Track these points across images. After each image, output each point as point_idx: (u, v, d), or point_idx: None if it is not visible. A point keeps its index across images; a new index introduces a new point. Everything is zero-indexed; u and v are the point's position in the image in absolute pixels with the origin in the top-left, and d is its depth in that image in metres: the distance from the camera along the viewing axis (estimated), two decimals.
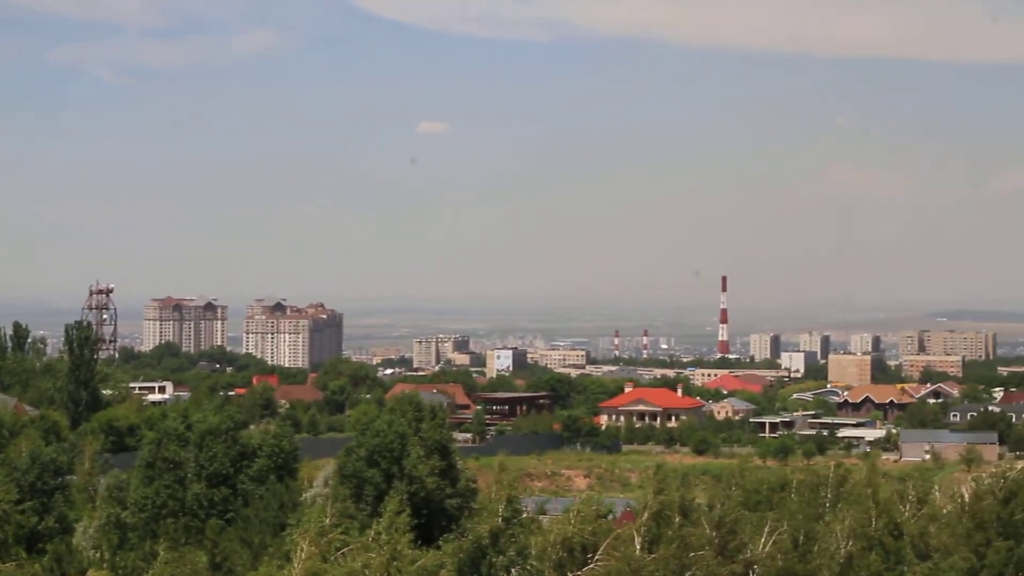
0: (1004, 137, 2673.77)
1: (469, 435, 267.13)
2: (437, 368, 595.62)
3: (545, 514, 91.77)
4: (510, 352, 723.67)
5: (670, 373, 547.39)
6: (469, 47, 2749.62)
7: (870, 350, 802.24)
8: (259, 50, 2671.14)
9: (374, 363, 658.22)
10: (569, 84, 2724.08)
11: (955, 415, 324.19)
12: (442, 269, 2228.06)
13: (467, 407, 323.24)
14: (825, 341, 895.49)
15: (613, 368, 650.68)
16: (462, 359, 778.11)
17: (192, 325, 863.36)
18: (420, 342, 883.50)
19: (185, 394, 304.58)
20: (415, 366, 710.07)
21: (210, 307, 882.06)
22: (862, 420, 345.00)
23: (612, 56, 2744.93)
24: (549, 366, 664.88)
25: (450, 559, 75.94)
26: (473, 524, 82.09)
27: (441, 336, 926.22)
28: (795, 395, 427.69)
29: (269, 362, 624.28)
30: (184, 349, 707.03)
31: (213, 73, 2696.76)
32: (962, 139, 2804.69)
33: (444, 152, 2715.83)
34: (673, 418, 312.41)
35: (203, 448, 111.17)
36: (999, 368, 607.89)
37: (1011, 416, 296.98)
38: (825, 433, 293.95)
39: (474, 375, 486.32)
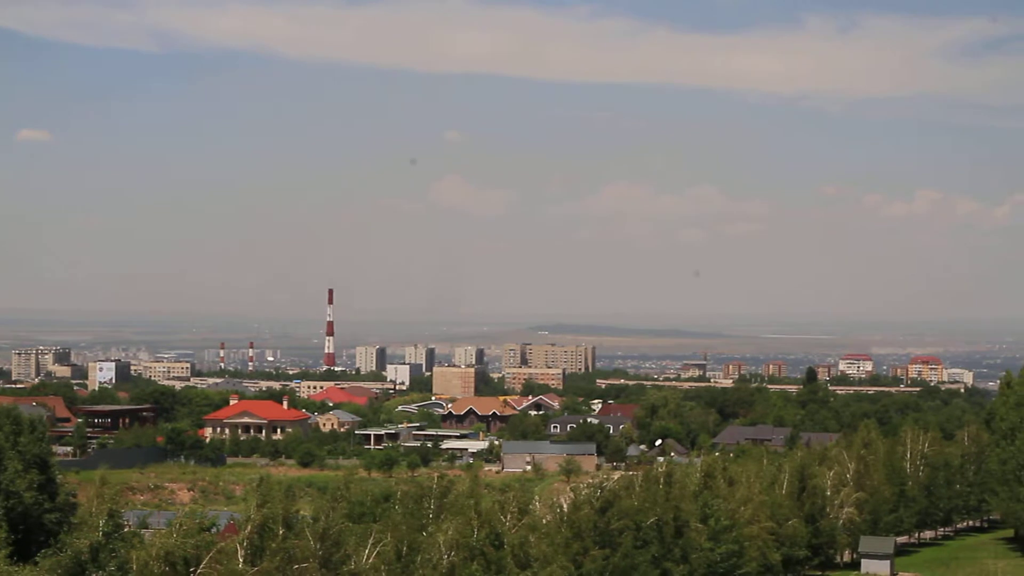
0: (604, 153, 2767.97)
1: (70, 449, 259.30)
2: (37, 380, 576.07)
3: (147, 528, 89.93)
4: (113, 364, 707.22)
5: (276, 385, 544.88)
6: (74, 54, 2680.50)
7: (474, 363, 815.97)
8: None
9: None
10: (177, 94, 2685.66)
11: (555, 427, 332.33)
12: (44, 279, 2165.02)
13: (68, 420, 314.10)
14: (430, 354, 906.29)
15: (219, 380, 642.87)
16: (63, 371, 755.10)
17: None
18: (19, 354, 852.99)
19: None
20: (13, 378, 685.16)
21: None
22: (466, 432, 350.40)
23: (221, 67, 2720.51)
24: (153, 378, 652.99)
25: (48, 575, 73.64)
26: (72, 539, 79.59)
27: (41, 348, 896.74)
28: (400, 407, 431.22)
29: None
30: None
31: None
32: (566, 155, 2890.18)
33: (45, 160, 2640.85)
34: (278, 430, 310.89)
35: None
36: (598, 381, 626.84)
37: (609, 428, 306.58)
38: (430, 445, 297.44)
39: (75, 387, 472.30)
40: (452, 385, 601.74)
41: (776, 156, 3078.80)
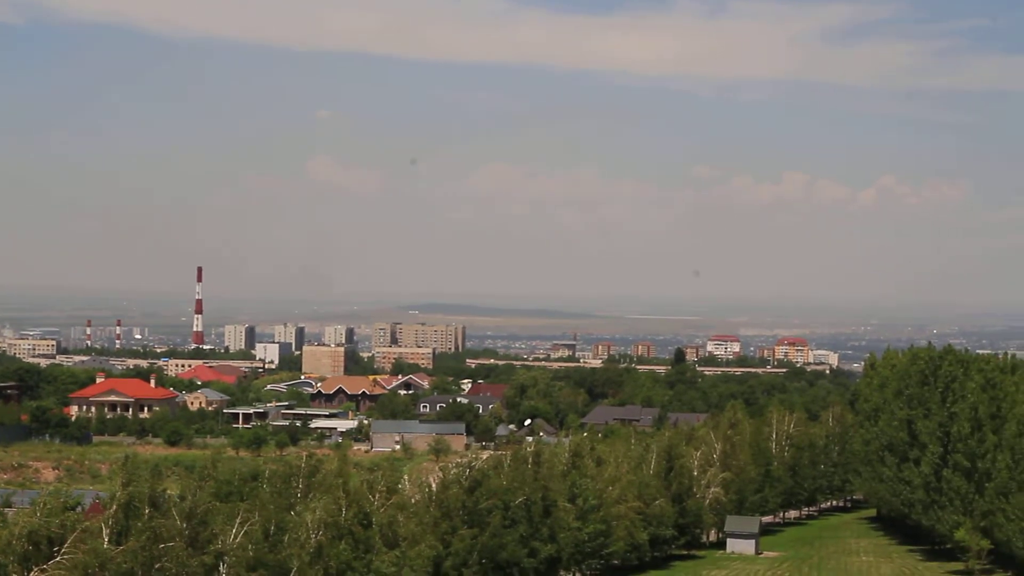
0: (482, 134, 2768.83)
1: None
2: None
3: (11, 507, 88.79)
4: None
5: (143, 363, 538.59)
6: None
7: (344, 342, 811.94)
8: None
9: None
10: (44, 68, 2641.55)
11: (425, 406, 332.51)
12: None
13: None
14: (300, 333, 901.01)
15: (85, 358, 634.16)
16: None
17: None
18: None
19: None
20: None
21: None
22: (335, 411, 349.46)
23: (89, 42, 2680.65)
24: (18, 356, 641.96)
25: None
26: None
27: None
28: (269, 386, 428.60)
29: None
30: None
31: None
32: (443, 135, 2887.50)
33: None
34: (146, 409, 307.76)
35: None
36: (468, 360, 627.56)
37: (478, 407, 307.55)
38: (298, 424, 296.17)
39: None
40: (322, 364, 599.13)
41: (649, 138, 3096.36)
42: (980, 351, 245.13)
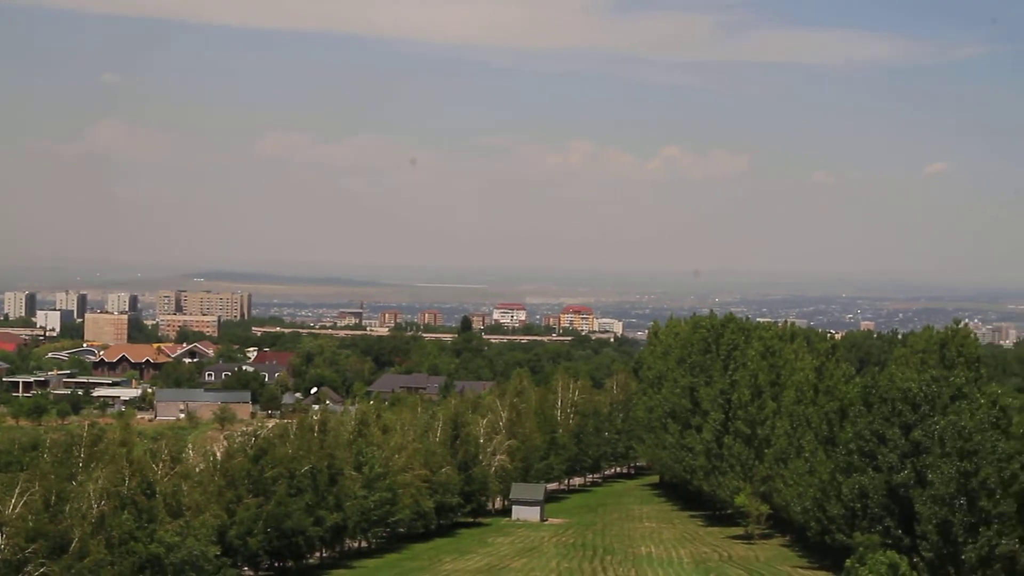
0: (266, 99, 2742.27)
1: None
2: None
3: None
4: None
5: None
6: None
7: (127, 309, 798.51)
8: None
9: None
10: None
11: (210, 374, 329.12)
12: None
13: None
14: (82, 300, 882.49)
15: None
16: None
17: None
18: None
19: None
20: None
21: None
22: (118, 379, 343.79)
23: None
24: None
25: None
26: None
27: None
28: (50, 354, 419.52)
29: None
30: None
31: None
32: (227, 101, 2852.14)
33: None
34: None
35: None
36: (253, 328, 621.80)
37: (264, 375, 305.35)
38: (81, 392, 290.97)
39: None
40: (105, 332, 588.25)
41: (438, 107, 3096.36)
42: (761, 319, 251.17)
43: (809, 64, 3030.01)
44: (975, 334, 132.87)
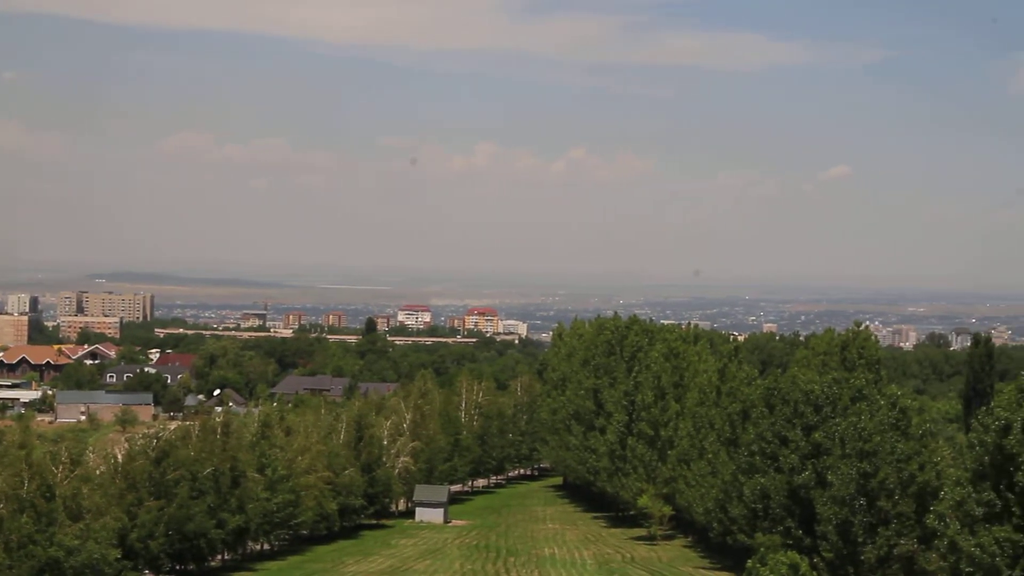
0: (173, 99, 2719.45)
1: None
2: None
3: None
4: None
5: None
6: None
7: (28, 310, 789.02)
8: None
9: None
10: None
11: (112, 376, 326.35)
12: None
13: None
14: None
15: None
16: None
17: None
18: None
19: None
20: None
21: None
22: (18, 381, 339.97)
23: None
24: None
25: None
26: None
27: None
28: None
29: None
30: None
31: None
32: (133, 99, 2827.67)
33: None
34: None
35: None
36: (156, 330, 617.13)
37: (166, 377, 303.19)
38: None
39: None
40: (4, 333, 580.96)
41: (341, 108, 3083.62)
42: (664, 321, 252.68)
43: (715, 67, 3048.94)
44: (875, 336, 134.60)
